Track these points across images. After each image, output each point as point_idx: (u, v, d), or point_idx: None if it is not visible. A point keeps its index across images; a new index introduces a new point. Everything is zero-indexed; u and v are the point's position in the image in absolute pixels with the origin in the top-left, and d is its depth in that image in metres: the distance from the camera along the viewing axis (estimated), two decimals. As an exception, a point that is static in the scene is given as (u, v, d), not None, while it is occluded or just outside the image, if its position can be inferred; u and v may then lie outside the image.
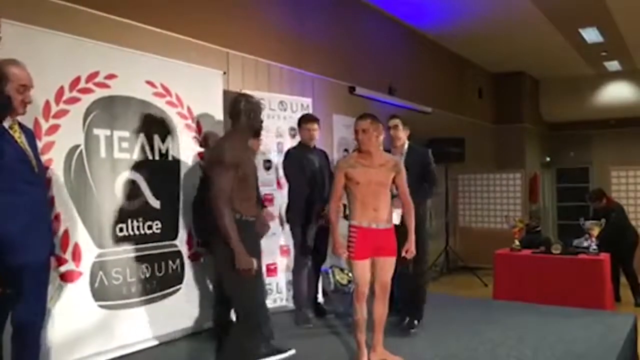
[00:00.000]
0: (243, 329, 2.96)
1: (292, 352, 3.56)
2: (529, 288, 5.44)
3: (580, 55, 9.58)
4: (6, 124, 2.53)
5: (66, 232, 3.32)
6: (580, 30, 8.17)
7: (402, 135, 4.20)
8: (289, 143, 4.99)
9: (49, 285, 2.74)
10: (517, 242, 5.81)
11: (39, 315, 2.66)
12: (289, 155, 4.47)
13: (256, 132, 3.31)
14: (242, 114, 3.07)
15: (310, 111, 5.30)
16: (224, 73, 4.63)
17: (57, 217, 3.27)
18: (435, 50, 8.74)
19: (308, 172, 4.41)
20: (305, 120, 4.55)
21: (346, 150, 6.32)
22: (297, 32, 5.74)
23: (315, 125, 4.50)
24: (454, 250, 8.29)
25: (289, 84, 5.57)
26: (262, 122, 3.23)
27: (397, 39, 7.73)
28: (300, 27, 5.79)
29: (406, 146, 4.23)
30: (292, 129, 5.11)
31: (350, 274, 5.96)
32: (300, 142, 4.57)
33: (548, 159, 12.43)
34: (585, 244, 5.64)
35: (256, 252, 3.03)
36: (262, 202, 4.35)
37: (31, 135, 2.72)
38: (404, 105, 7.38)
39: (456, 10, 7.28)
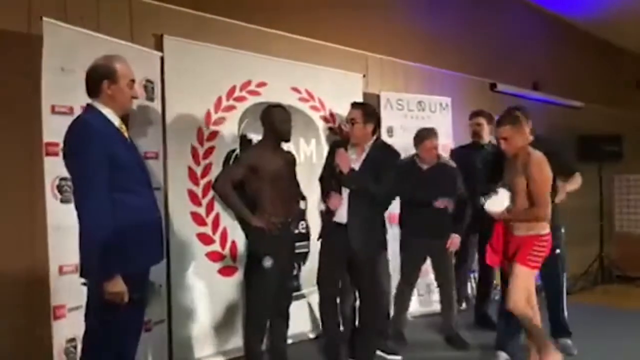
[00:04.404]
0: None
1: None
2: None
3: None
4: (116, 123, 2.34)
5: (224, 230, 3.60)
6: None
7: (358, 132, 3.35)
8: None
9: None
10: (691, 251, 5.12)
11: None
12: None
13: (283, 140, 3.37)
14: (271, 122, 3.26)
15: (450, 110, 5.18)
16: (364, 76, 4.69)
17: (216, 217, 3.56)
18: (584, 39, 8.01)
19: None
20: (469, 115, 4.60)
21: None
22: (434, 30, 5.61)
23: (479, 119, 4.47)
24: (609, 258, 7.52)
25: (428, 83, 5.47)
26: (289, 130, 3.33)
27: (541, 29, 7.22)
28: (437, 25, 5.66)
29: (371, 143, 3.39)
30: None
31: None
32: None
33: None
34: None
35: (281, 253, 3.16)
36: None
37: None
38: (550, 101, 6.88)
39: (610, -6, 6.63)
